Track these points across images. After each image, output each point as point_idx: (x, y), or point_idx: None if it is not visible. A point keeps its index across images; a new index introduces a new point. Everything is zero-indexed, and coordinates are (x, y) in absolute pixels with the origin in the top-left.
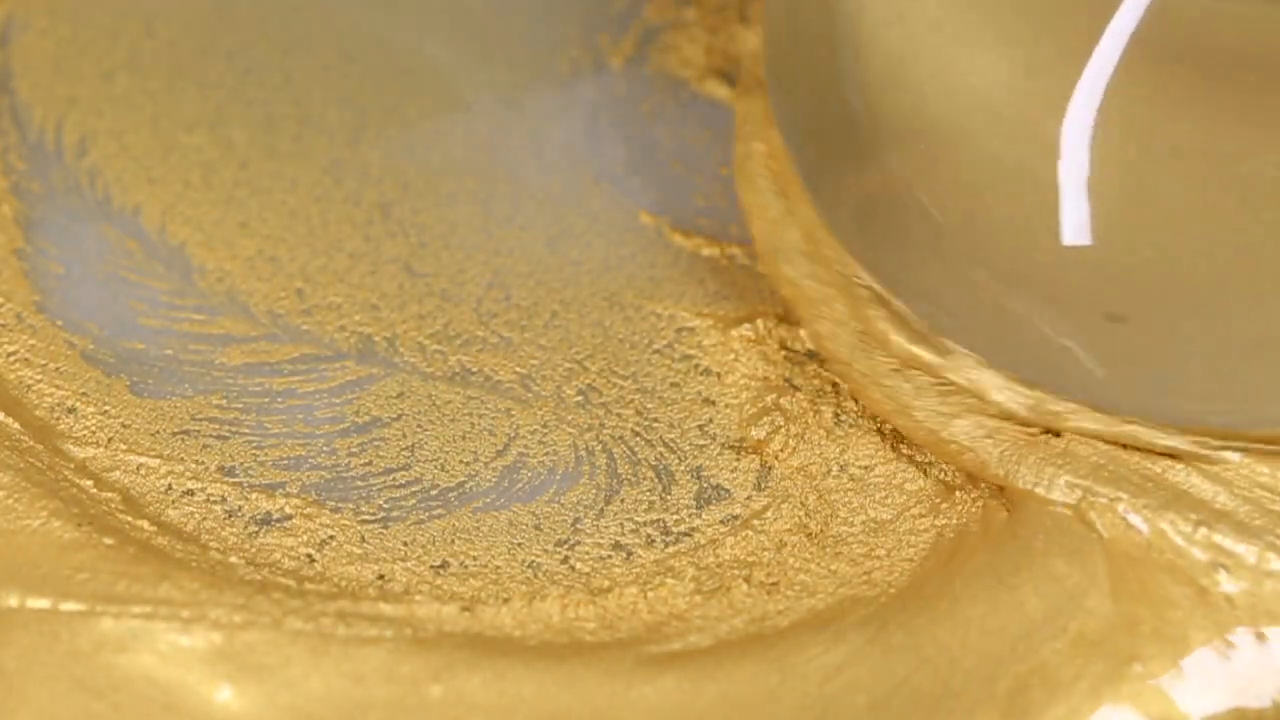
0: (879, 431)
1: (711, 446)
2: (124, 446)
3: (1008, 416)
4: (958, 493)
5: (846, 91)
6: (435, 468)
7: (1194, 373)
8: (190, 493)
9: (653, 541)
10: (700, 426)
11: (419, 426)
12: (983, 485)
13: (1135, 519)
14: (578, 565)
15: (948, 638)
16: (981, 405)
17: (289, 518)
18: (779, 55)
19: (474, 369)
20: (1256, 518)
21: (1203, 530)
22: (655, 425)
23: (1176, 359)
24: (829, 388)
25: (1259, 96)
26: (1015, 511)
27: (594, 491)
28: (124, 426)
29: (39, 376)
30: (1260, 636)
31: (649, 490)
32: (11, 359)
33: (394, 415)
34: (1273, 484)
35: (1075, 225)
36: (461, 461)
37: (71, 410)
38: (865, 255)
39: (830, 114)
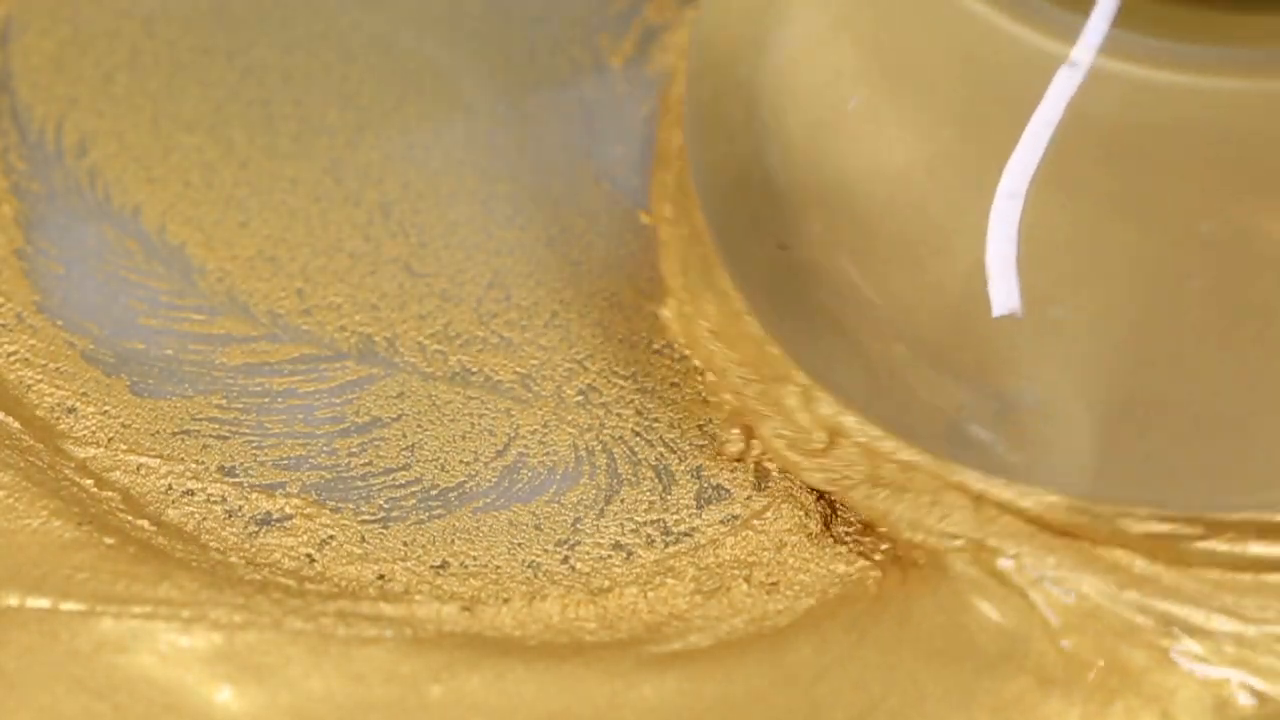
0: None
1: (711, 446)
2: (124, 446)
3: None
4: None
5: (767, 163)
6: (435, 468)
7: (1126, 460)
8: (190, 493)
9: (653, 541)
10: (700, 426)
11: (419, 426)
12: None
13: (1060, 589)
14: (578, 565)
15: (915, 651)
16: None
17: (289, 518)
18: (698, 123)
19: (474, 369)
20: (1188, 583)
21: (1135, 594)
22: (655, 425)
23: (1105, 445)
24: None
25: (1200, 162)
26: (932, 563)
27: (594, 491)
28: (124, 426)
29: (39, 376)
30: (1247, 687)
31: (649, 490)
32: (11, 359)
33: (394, 415)
34: (1210, 556)
35: (1004, 297)
36: (461, 461)
37: (71, 410)
38: (780, 328)
39: (750, 185)
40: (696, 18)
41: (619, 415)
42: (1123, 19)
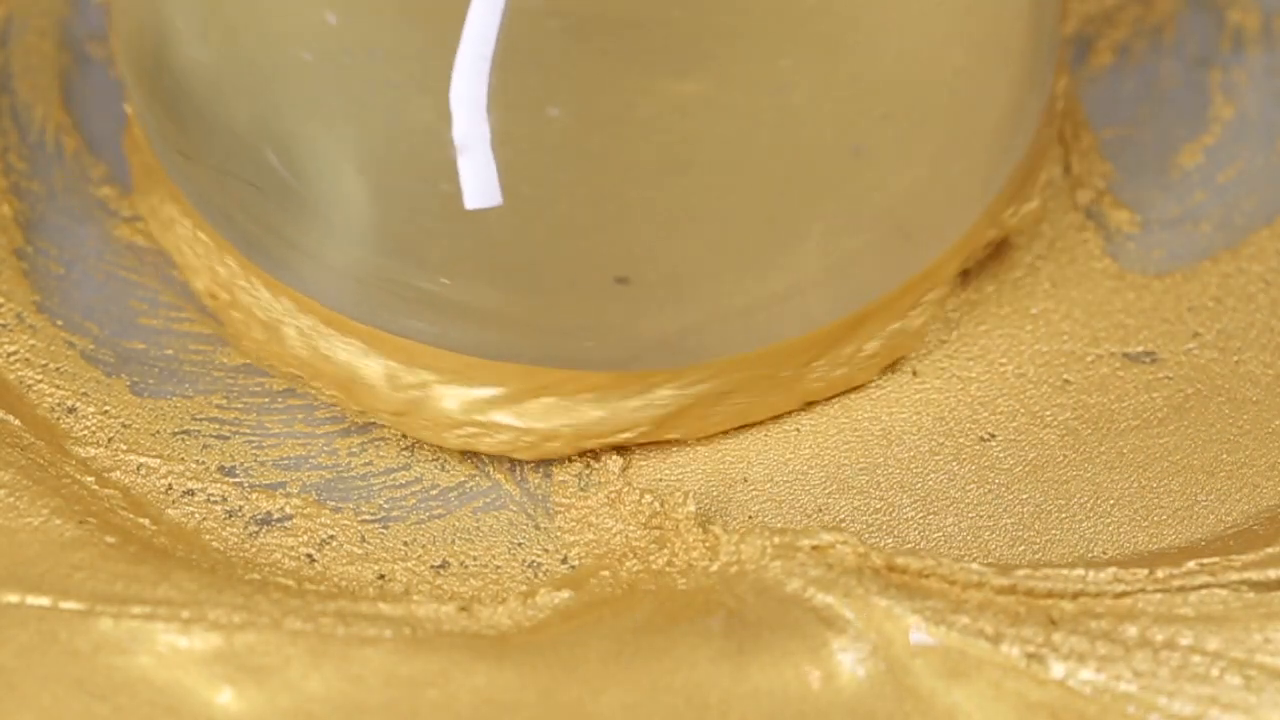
0: None
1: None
2: (124, 446)
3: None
4: None
5: (184, 53)
6: (435, 468)
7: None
8: (190, 493)
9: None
10: None
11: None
12: None
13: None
14: (577, 565)
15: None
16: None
17: (289, 518)
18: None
19: None
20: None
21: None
22: None
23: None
24: None
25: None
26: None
27: None
28: (124, 426)
29: (39, 376)
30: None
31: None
32: (11, 359)
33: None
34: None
35: (480, 190)
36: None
37: (72, 410)
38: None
39: (171, 66)
40: None
41: None
42: None
